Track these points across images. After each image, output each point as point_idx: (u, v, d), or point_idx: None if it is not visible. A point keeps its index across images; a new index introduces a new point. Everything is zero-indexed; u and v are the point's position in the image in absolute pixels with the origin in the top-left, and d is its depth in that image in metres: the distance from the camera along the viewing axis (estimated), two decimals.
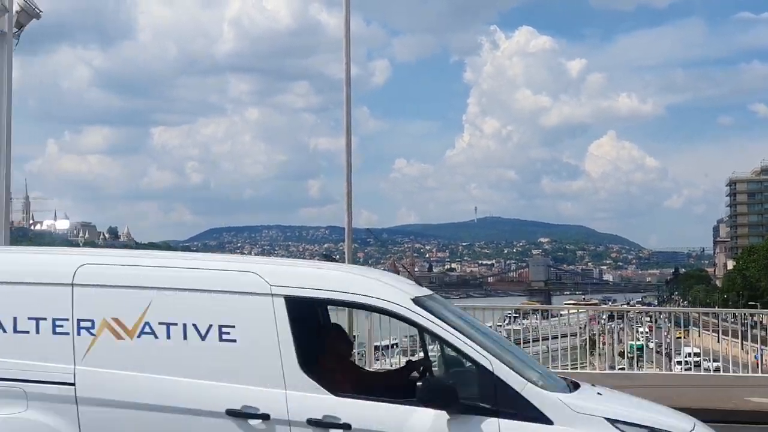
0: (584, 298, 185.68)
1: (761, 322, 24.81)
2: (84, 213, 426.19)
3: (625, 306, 72.44)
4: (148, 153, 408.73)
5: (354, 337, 17.46)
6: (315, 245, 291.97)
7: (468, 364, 6.67)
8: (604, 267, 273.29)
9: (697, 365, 23.65)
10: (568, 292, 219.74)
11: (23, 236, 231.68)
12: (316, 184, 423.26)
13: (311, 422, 6.47)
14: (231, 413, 6.54)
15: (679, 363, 21.37)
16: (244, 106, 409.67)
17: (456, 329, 6.83)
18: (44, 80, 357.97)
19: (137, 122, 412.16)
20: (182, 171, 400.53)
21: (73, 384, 6.73)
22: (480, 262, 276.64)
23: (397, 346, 22.90)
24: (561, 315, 29.32)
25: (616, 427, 6.53)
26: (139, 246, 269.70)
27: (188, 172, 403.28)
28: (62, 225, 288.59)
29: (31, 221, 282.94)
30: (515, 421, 6.43)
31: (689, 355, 20.58)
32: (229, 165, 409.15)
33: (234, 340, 6.70)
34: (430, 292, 7.80)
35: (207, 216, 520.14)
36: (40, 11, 16.28)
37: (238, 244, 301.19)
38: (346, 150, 16.92)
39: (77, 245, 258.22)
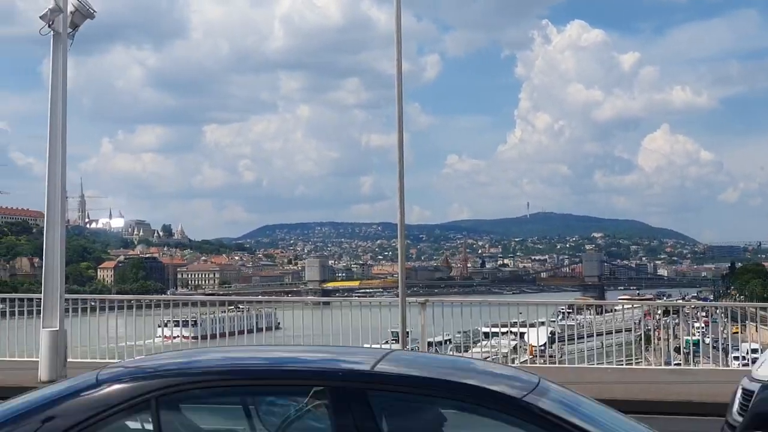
0: (638, 294, 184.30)
1: None
2: (138, 211, 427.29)
3: (681, 301, 71.77)
4: (200, 151, 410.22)
5: (408, 333, 17.46)
6: (368, 242, 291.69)
7: None
8: (659, 262, 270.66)
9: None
10: (622, 288, 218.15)
11: (79, 234, 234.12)
12: (368, 181, 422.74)
13: None
14: None
15: (737, 359, 21.11)
16: (295, 103, 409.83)
17: None
18: (98, 80, 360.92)
19: (190, 120, 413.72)
20: (234, 169, 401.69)
21: None
22: (533, 257, 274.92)
23: (450, 342, 22.86)
24: (615, 310, 29.08)
25: None
26: (192, 243, 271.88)
27: (240, 170, 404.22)
28: (117, 223, 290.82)
29: (86, 220, 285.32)
30: None
31: (748, 351, 20.37)
32: (281, 162, 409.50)
33: None
34: None
35: (260, 213, 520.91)
36: (94, 11, 16.41)
37: (291, 241, 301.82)
38: (398, 146, 16.90)
39: (132, 243, 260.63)
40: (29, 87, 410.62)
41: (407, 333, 17.16)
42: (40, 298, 16.35)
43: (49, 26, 15.55)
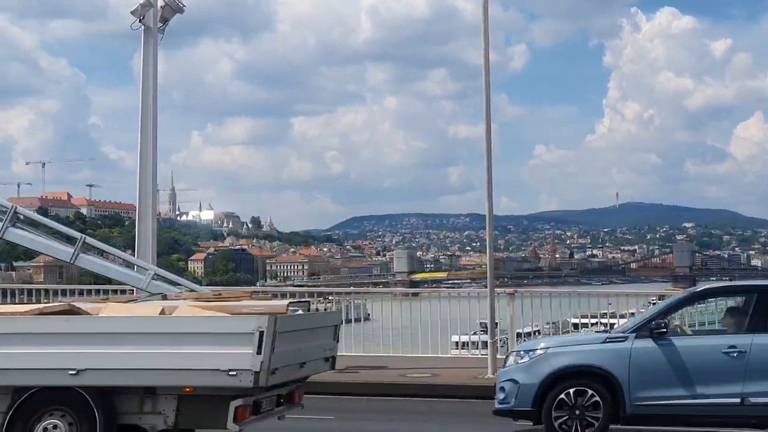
0: None
1: None
2: (228, 203, 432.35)
3: None
4: (288, 143, 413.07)
5: (496, 324, 17.39)
6: (455, 233, 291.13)
7: None
8: (752, 252, 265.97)
9: None
10: (714, 278, 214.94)
11: (170, 227, 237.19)
12: (456, 172, 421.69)
13: None
14: None
15: None
16: (382, 95, 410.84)
17: None
18: (187, 74, 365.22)
19: (278, 113, 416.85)
20: (322, 160, 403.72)
21: None
22: (622, 248, 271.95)
23: (539, 333, 22.71)
24: (708, 301, 28.60)
25: None
26: (281, 235, 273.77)
27: (328, 162, 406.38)
28: (207, 215, 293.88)
29: (177, 212, 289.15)
30: None
31: None
32: (369, 153, 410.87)
33: None
34: None
35: (348, 205, 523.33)
36: (184, 6, 16.60)
37: (380, 233, 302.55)
38: (485, 137, 16.82)
39: (221, 235, 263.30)
40: (120, 82, 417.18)
41: (496, 324, 17.08)
42: (133, 290, 16.58)
43: (140, 21, 15.78)
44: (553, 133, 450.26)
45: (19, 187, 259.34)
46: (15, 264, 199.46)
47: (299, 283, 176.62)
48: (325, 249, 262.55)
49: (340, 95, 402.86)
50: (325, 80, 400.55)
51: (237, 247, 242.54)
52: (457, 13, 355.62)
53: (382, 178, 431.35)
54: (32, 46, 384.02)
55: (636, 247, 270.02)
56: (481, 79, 16.82)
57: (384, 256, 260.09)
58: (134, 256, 17.03)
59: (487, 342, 16.85)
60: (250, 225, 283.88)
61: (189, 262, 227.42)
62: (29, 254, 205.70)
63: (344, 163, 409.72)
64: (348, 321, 21.05)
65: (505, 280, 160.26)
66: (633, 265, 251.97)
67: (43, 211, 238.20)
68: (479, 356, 19.12)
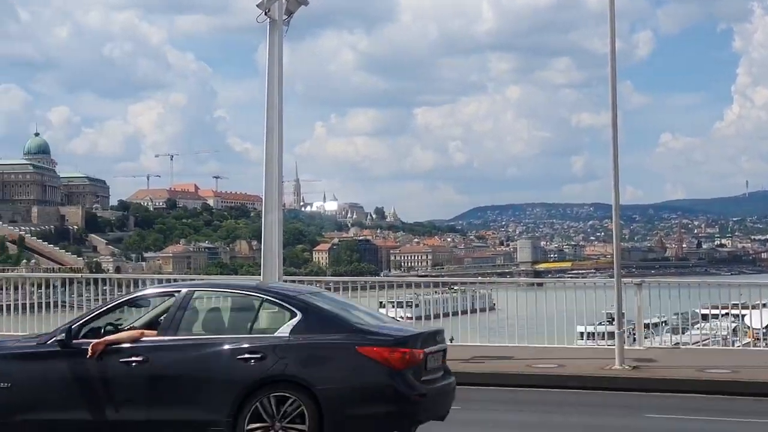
0: None
1: None
2: (351, 194, 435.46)
3: None
4: (411, 133, 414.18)
5: (623, 314, 17.11)
6: (579, 223, 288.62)
7: None
8: None
9: None
10: None
11: (294, 217, 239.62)
12: (580, 161, 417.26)
13: None
14: None
15: None
16: (504, 84, 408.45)
17: None
18: (311, 65, 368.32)
19: (401, 103, 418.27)
20: (445, 150, 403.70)
21: None
22: (752, 237, 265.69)
23: (666, 324, 22.35)
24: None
25: None
26: (404, 225, 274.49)
27: (451, 152, 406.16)
28: (331, 206, 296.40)
29: (301, 203, 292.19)
30: None
31: None
32: (492, 143, 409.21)
33: None
34: None
35: (471, 195, 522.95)
36: None
37: (503, 223, 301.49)
38: (612, 125, 16.57)
39: (345, 226, 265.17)
40: (245, 75, 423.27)
41: (622, 314, 16.84)
42: (259, 280, 16.77)
43: (266, 14, 15.90)
44: (679, 120, 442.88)
45: (148, 179, 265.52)
46: (145, 255, 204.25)
47: (423, 273, 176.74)
48: (448, 239, 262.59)
49: (462, 85, 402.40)
50: (448, 70, 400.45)
51: (361, 238, 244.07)
52: (580, 1, 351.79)
53: (505, 168, 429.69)
54: (160, 41, 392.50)
55: (767, 236, 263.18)
56: (606, 67, 16.56)
57: (507, 246, 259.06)
58: (260, 246, 17.19)
59: (613, 333, 16.60)
60: (373, 216, 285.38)
61: (314, 252, 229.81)
62: (158, 245, 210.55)
63: (467, 153, 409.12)
64: (473, 311, 21.01)
65: (631, 270, 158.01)
66: (764, 255, 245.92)
67: (171, 202, 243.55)
68: (606, 347, 18.87)
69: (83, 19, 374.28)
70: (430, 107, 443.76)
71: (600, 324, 21.77)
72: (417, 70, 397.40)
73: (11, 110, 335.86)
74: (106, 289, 22.09)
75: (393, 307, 22.21)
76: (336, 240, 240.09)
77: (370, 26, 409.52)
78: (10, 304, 21.81)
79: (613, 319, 17.24)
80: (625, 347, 16.47)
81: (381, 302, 22.63)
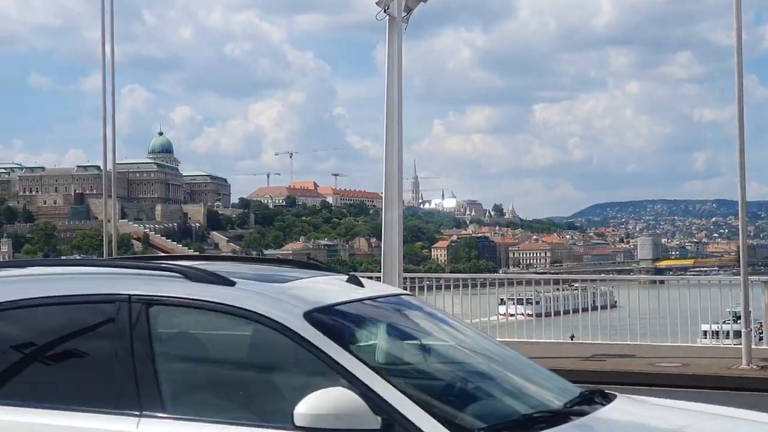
0: None
1: None
2: (470, 191, 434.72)
3: None
4: (530, 130, 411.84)
5: (749, 312, 16.72)
6: (701, 219, 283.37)
7: None
8: None
9: None
10: None
11: (413, 215, 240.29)
12: (702, 157, 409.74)
13: None
14: None
15: None
16: (624, 80, 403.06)
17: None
18: (429, 62, 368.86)
19: (519, 100, 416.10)
20: (564, 147, 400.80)
21: None
22: None
23: None
24: None
25: None
26: (523, 222, 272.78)
27: (570, 148, 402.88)
28: (449, 203, 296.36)
29: (419, 200, 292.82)
30: None
31: None
32: (611, 139, 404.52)
33: None
34: None
35: (590, 191, 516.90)
36: None
37: (623, 219, 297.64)
38: (737, 120, 16.19)
39: (464, 223, 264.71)
40: (364, 73, 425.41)
41: (749, 312, 16.47)
42: (379, 277, 16.82)
43: (385, 11, 15.94)
44: None
45: (268, 177, 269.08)
46: (265, 252, 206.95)
47: (541, 271, 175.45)
48: (567, 236, 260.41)
49: (581, 81, 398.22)
50: (566, 66, 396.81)
51: (479, 235, 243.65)
52: None
53: (625, 164, 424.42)
54: (279, 40, 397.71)
55: None
56: (730, 60, 16.19)
57: (627, 243, 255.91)
58: (379, 243, 17.28)
59: (738, 332, 16.26)
60: (492, 213, 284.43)
61: (432, 249, 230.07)
62: (278, 243, 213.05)
63: (586, 150, 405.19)
64: (594, 308, 20.80)
65: (758, 267, 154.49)
66: None
67: (291, 200, 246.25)
68: (730, 346, 18.48)
69: (205, 20, 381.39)
70: (548, 104, 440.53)
71: (724, 322, 21.36)
72: (535, 66, 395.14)
73: (136, 110, 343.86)
74: None
75: (513, 304, 22.12)
76: (454, 237, 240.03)
77: (487, 22, 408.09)
78: None
79: (738, 318, 16.89)
80: (752, 347, 16.12)
81: (501, 299, 22.60)
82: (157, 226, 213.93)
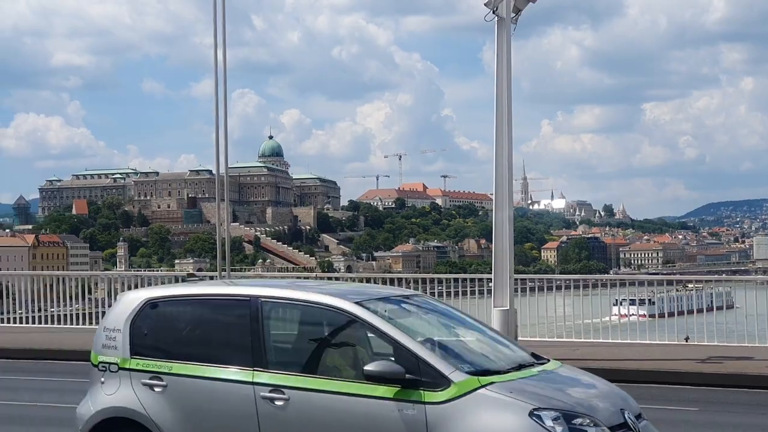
0: None
1: None
2: (579, 191, 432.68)
3: None
4: (639, 129, 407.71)
5: None
6: None
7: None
8: None
9: None
10: None
11: (522, 216, 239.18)
12: None
13: None
14: None
15: None
16: (737, 76, 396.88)
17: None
18: (536, 62, 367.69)
19: (628, 99, 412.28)
20: (675, 146, 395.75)
21: None
22: None
23: None
24: None
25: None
26: (634, 222, 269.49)
27: (681, 147, 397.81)
28: (558, 204, 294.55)
29: (528, 201, 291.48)
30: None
31: None
32: (724, 137, 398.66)
33: None
34: None
35: (702, 191, 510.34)
36: None
37: (737, 219, 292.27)
38: None
39: (573, 224, 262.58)
40: (471, 73, 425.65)
41: None
42: (490, 278, 16.76)
43: (494, 12, 15.87)
44: None
45: (377, 179, 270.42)
46: (375, 254, 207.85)
47: (653, 271, 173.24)
48: (679, 236, 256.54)
49: (693, 78, 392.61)
50: (677, 63, 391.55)
51: (589, 236, 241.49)
52: None
53: (739, 162, 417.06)
54: (386, 42, 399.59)
55: None
56: None
57: (743, 242, 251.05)
58: (490, 245, 17.21)
59: None
60: (602, 213, 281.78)
61: (542, 250, 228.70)
62: (388, 245, 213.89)
63: (698, 148, 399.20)
64: (709, 309, 20.40)
65: None
66: None
67: (400, 202, 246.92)
68: None
69: (313, 24, 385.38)
70: (659, 102, 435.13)
71: None
72: (645, 64, 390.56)
73: (246, 114, 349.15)
74: None
75: (627, 304, 21.86)
76: (564, 238, 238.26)
77: (596, 21, 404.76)
78: None
79: None
80: None
81: (617, 300, 22.34)
82: (267, 229, 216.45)
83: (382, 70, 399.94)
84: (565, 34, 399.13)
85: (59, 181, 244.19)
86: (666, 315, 21.46)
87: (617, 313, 22.26)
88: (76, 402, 8.31)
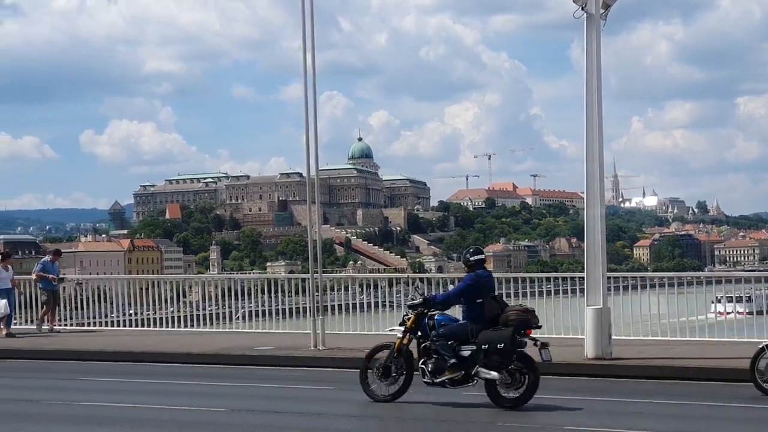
0: None
1: None
2: (671, 188, 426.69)
3: None
4: (733, 124, 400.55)
5: None
6: None
7: None
8: None
9: None
10: None
11: (613, 214, 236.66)
12: None
13: None
14: None
15: None
16: None
17: None
18: (625, 58, 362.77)
19: (721, 93, 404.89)
20: None
21: None
22: None
23: None
24: None
25: None
26: (728, 219, 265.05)
27: None
28: (650, 201, 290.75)
29: (619, 199, 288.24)
30: None
31: None
32: None
33: None
34: None
35: None
36: None
37: None
38: None
39: (666, 221, 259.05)
40: (559, 71, 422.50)
41: None
42: (582, 277, 16.64)
43: (582, 9, 15.77)
44: None
45: (467, 179, 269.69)
46: None
47: (750, 268, 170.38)
48: None
49: None
50: None
51: (682, 233, 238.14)
52: None
53: None
54: (473, 42, 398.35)
55: None
56: None
57: None
58: (581, 243, 17.09)
59: None
60: (695, 210, 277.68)
61: (634, 248, 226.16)
62: (478, 245, 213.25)
63: None
64: None
65: None
66: None
67: (490, 202, 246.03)
68: None
69: (399, 25, 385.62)
70: (753, 96, 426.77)
71: None
72: (738, 57, 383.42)
73: (335, 116, 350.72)
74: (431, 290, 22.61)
75: (726, 302, 21.53)
76: (657, 235, 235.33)
77: (687, 14, 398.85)
78: (340, 304, 22.73)
79: None
80: None
81: (716, 297, 22.00)
82: (358, 230, 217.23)
83: (469, 69, 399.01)
84: (655, 28, 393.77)
85: (153, 186, 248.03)
86: (765, 312, 21.03)
87: (714, 310, 21.93)
88: (180, 403, 8.23)
